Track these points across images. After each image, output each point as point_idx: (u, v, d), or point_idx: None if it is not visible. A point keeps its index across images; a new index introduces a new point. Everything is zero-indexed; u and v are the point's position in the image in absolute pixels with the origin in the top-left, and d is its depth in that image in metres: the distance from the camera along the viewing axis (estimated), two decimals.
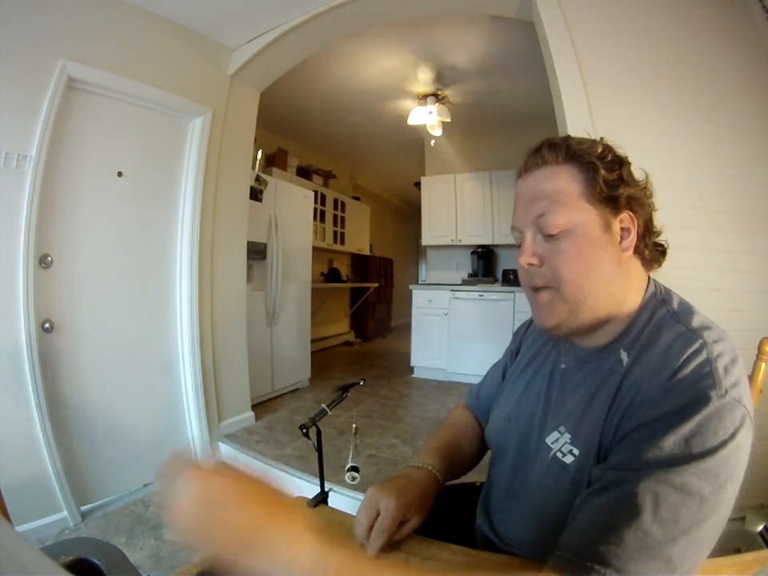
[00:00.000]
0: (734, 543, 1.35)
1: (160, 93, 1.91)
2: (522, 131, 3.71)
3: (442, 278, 4.39)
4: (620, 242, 0.55)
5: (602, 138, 0.60)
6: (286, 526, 0.35)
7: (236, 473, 0.36)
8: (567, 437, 0.55)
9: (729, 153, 1.44)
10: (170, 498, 0.33)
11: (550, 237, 0.55)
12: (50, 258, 1.62)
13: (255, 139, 2.61)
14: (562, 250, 0.55)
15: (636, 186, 0.57)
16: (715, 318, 0.52)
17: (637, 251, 0.57)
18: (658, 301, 0.56)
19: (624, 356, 0.53)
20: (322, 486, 0.84)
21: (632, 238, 0.56)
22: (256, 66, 2.26)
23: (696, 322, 0.51)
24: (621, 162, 0.57)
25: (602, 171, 0.55)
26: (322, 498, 0.81)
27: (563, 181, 0.56)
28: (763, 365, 0.69)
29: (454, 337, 3.66)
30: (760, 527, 1.35)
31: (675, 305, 0.55)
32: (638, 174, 0.60)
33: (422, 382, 3.67)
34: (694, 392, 0.43)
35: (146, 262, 1.98)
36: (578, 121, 1.45)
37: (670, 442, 0.42)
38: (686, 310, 0.53)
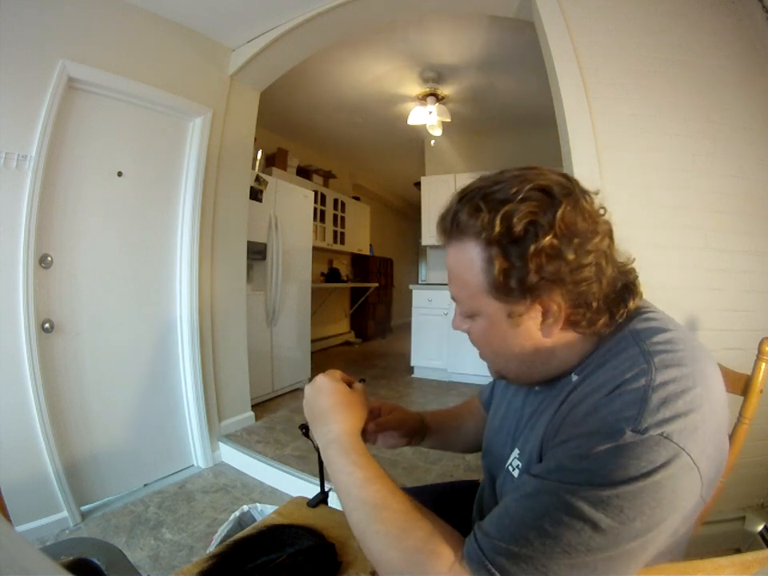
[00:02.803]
0: (733, 543, 1.35)
1: (160, 93, 1.91)
2: (521, 131, 3.70)
3: (442, 278, 4.38)
4: (542, 322, 0.49)
5: (528, 190, 0.45)
6: (340, 415, 0.56)
7: (343, 387, 0.60)
8: (516, 452, 0.57)
9: (729, 153, 1.44)
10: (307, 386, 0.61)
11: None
12: (49, 258, 1.62)
13: (255, 139, 2.61)
14: (474, 332, 0.55)
15: (562, 261, 0.44)
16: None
17: (569, 324, 0.49)
18: (626, 319, 0.50)
19: (574, 378, 0.51)
20: (322, 486, 0.84)
21: (554, 321, 0.48)
22: (256, 66, 2.26)
23: (655, 342, 0.45)
24: (538, 234, 0.44)
25: (498, 260, 0.46)
26: (322, 498, 0.81)
27: (464, 264, 0.50)
28: (763, 365, 0.69)
29: (454, 337, 3.62)
30: (760, 527, 1.35)
31: (639, 324, 0.49)
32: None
33: (422, 381, 3.66)
34: (609, 421, 0.40)
35: (145, 262, 1.97)
36: (578, 121, 1.45)
37: (573, 462, 0.41)
38: (652, 330, 0.47)
